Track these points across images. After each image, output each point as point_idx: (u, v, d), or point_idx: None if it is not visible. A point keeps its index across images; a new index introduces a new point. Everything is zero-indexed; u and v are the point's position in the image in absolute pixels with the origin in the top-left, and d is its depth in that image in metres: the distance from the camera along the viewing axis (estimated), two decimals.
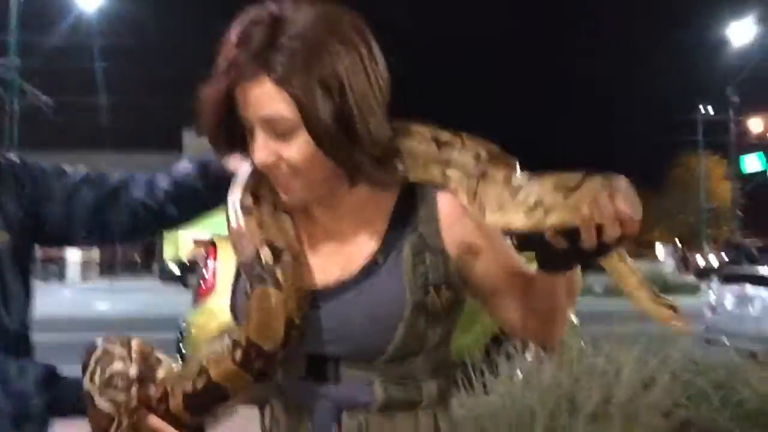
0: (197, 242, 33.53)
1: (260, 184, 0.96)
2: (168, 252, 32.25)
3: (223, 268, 6.27)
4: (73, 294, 21.39)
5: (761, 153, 29.58)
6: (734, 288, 7.80)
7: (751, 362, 3.38)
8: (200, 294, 6.28)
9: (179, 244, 32.64)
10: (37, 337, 1.42)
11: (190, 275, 25.87)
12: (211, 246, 6.48)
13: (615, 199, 0.78)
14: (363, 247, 0.95)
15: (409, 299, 0.89)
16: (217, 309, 6.17)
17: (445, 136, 0.93)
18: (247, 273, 0.93)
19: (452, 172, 0.92)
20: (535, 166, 0.87)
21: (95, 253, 33.27)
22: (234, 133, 0.93)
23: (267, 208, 0.96)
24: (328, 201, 0.96)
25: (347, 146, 0.87)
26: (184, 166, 1.51)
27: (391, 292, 0.90)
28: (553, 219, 0.80)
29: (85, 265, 32.14)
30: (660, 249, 39.80)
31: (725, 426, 2.69)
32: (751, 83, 30.12)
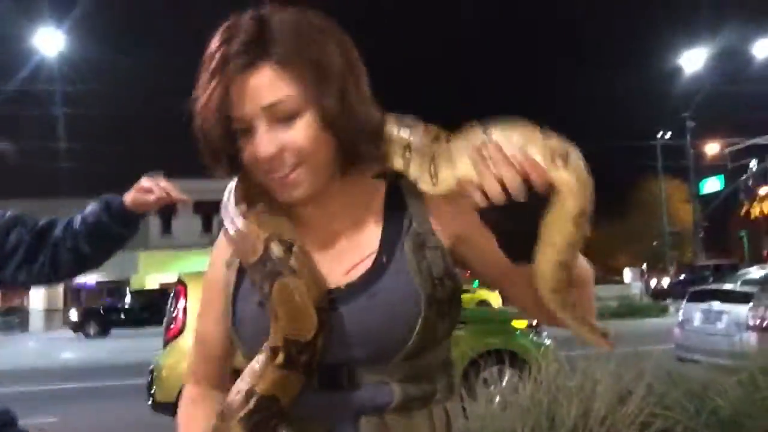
0: (163, 286, 33.08)
1: (250, 192, 0.95)
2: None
3: (193, 307, 6.17)
4: (36, 344, 20.72)
5: (721, 175, 30.42)
6: (702, 305, 7.93)
7: (723, 372, 3.42)
8: (170, 335, 6.14)
9: (145, 288, 32.03)
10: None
11: (90, 323, 24.03)
12: (180, 285, 6.36)
13: (499, 142, 0.77)
14: (362, 247, 0.94)
15: (422, 294, 0.88)
16: (186, 349, 6.05)
17: (406, 120, 0.93)
18: (260, 272, 0.90)
19: (412, 156, 0.90)
20: None
21: (59, 301, 32.41)
22: (228, 146, 0.90)
23: (262, 209, 0.94)
24: (320, 198, 0.94)
25: (350, 125, 0.88)
26: (90, 204, 1.58)
27: (404, 290, 0.89)
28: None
29: (49, 314, 31.23)
30: (627, 273, 40.30)
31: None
32: (705, 108, 31.19)
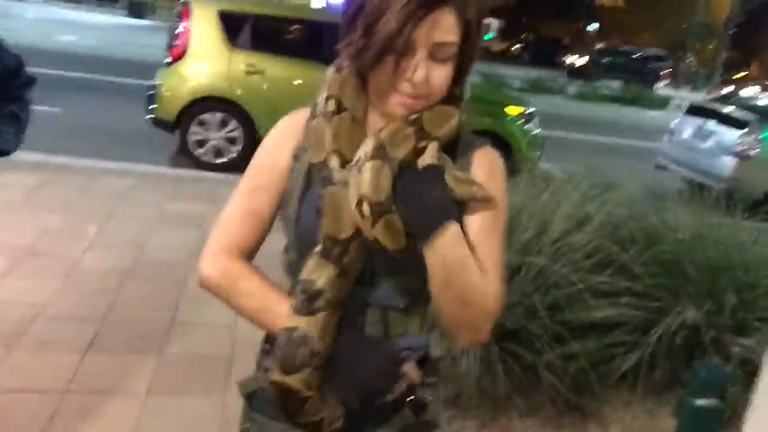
0: None
1: (344, 94, 1.05)
2: None
3: (196, 32, 6.12)
4: (35, 17, 20.38)
5: None
6: (696, 120, 8.03)
7: (679, 208, 3.65)
8: (173, 55, 6.19)
9: None
10: None
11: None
12: (184, 6, 6.22)
13: None
14: None
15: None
16: (187, 73, 6.17)
17: None
18: (316, 174, 1.05)
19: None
20: None
21: None
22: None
23: (346, 118, 1.04)
24: None
25: (463, 81, 1.06)
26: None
27: None
28: None
29: None
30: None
31: (639, 269, 3.04)
32: None
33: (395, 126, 1.01)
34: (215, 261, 1.09)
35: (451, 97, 1.05)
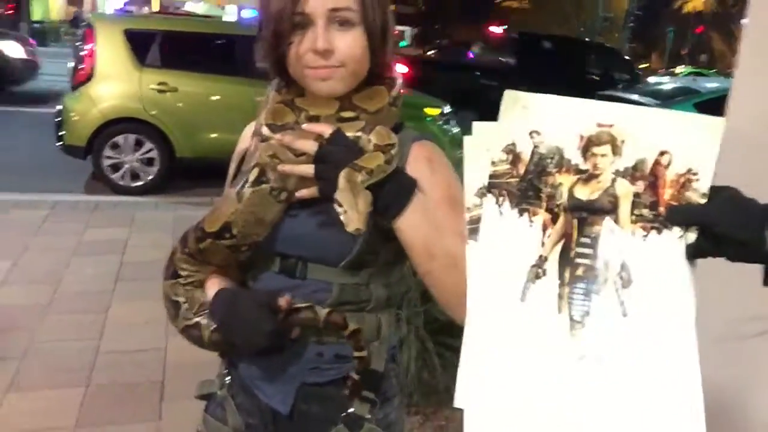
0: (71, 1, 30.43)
1: (281, 108, 1.04)
2: (37, 11, 29.12)
3: (102, 53, 5.92)
4: None
5: None
6: None
7: None
8: (78, 78, 5.96)
9: (49, 3, 29.55)
10: None
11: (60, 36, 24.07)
12: (87, 28, 6.01)
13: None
14: None
15: (371, 216, 0.95)
16: (95, 96, 5.95)
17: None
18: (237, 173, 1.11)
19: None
20: None
21: None
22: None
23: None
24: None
25: (382, 50, 1.03)
26: None
27: None
28: None
29: None
30: None
31: None
32: None
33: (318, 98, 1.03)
34: None
35: (376, 76, 1.05)
